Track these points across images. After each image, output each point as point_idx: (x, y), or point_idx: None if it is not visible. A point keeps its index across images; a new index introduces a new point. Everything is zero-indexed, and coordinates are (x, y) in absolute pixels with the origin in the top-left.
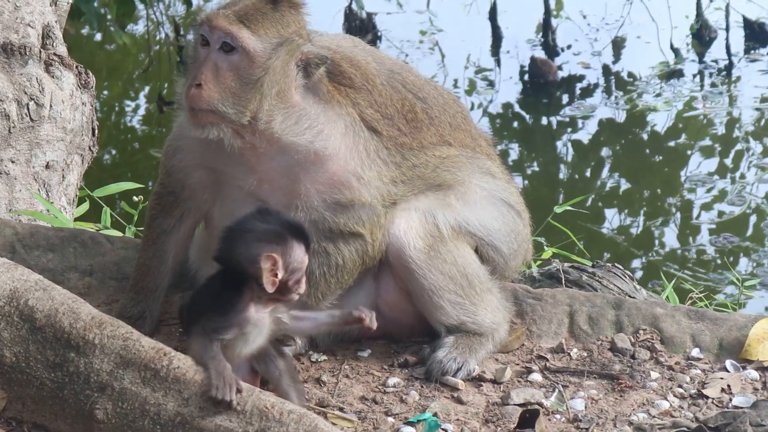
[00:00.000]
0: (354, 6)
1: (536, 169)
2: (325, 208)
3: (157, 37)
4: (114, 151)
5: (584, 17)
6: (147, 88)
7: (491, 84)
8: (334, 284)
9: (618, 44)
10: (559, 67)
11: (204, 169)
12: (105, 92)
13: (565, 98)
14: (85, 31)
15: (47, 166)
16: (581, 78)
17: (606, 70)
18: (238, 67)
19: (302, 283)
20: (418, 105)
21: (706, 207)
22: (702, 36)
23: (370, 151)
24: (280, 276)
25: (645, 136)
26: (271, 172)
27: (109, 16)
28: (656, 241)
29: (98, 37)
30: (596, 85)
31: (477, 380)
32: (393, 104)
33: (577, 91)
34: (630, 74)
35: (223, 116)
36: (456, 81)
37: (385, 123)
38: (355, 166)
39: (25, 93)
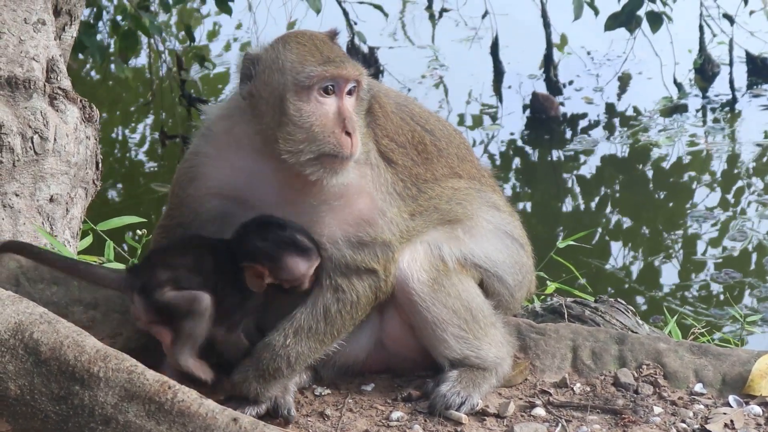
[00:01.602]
0: (356, 40)
1: (538, 203)
2: (347, 246)
3: (161, 73)
4: (118, 185)
5: (588, 53)
6: (150, 121)
7: (493, 118)
8: (348, 321)
9: (621, 79)
10: (561, 103)
11: (220, 198)
12: (107, 126)
13: (568, 134)
14: (87, 66)
15: (51, 200)
16: (584, 114)
17: (609, 106)
18: (355, 107)
19: (306, 284)
20: (427, 137)
21: (708, 243)
22: (705, 71)
23: (388, 184)
24: (267, 281)
25: (647, 171)
26: (298, 208)
27: (111, 50)
28: (658, 277)
29: (95, 72)
30: (598, 121)
31: (480, 414)
32: (404, 134)
33: (580, 127)
34: (633, 109)
35: (354, 159)
36: (462, 116)
37: (400, 153)
38: (381, 203)
39: (30, 126)
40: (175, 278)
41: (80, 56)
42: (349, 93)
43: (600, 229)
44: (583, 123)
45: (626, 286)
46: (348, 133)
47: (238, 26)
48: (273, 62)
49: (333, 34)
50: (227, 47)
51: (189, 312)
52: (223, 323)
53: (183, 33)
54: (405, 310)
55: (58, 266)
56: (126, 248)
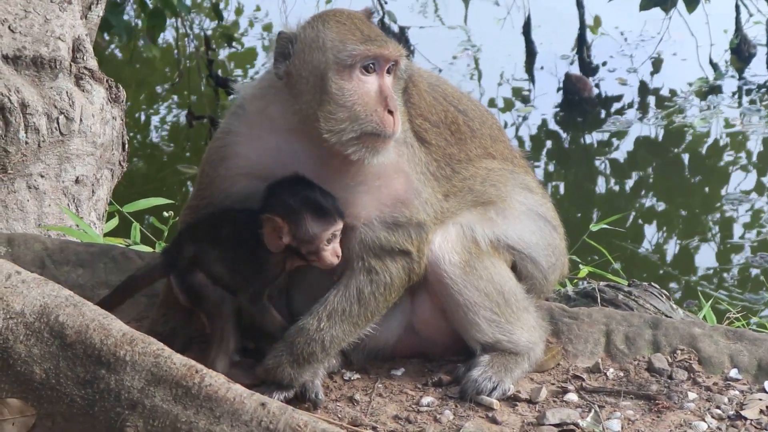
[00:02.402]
0: (386, 19)
1: (571, 186)
2: (382, 227)
3: (187, 51)
4: (143, 166)
5: (622, 34)
6: (176, 102)
7: (525, 100)
8: (382, 303)
9: (656, 60)
10: (596, 85)
11: (252, 178)
12: (133, 107)
13: (601, 115)
14: (113, 47)
15: (77, 181)
16: (618, 96)
17: (643, 87)
18: (394, 85)
19: (325, 255)
20: (460, 117)
21: (744, 226)
22: (741, 51)
23: (422, 164)
24: (285, 241)
25: (682, 154)
26: (333, 188)
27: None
28: (693, 261)
29: (121, 52)
30: (632, 102)
31: (512, 400)
32: (437, 114)
33: (613, 108)
34: (669, 90)
35: (395, 138)
36: (493, 99)
37: (434, 132)
38: (417, 183)
39: (55, 107)
40: (198, 253)
41: (106, 36)
42: (388, 72)
43: (634, 212)
44: (616, 104)
45: (660, 270)
46: (390, 112)
47: (257, 9)
48: (312, 41)
49: (369, 14)
50: (251, 24)
51: (215, 312)
52: (246, 292)
53: (204, 14)
54: (436, 292)
55: (122, 296)
56: (152, 230)
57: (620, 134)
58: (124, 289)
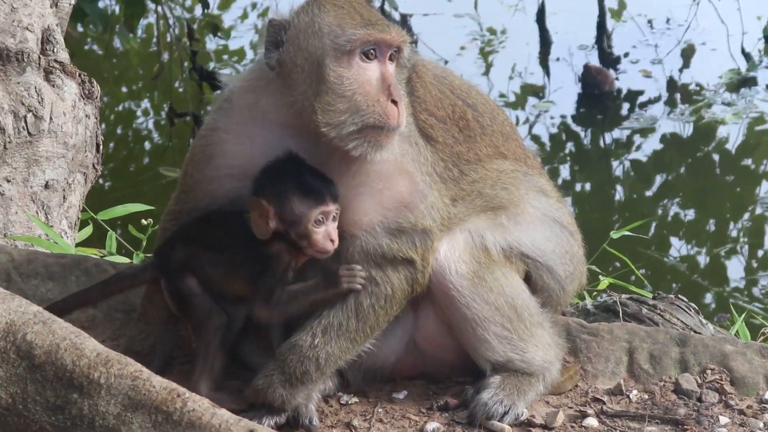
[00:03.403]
0: (387, 6)
1: (589, 190)
2: (385, 233)
3: (168, 40)
4: (120, 169)
5: (649, 22)
6: (156, 98)
7: (539, 95)
8: (383, 316)
9: (683, 51)
10: (617, 77)
11: (240, 179)
12: (109, 104)
13: (623, 111)
14: (89, 40)
15: (46, 186)
16: (641, 90)
17: (669, 80)
18: (397, 75)
19: (316, 239)
20: (469, 112)
21: None
22: None
23: (428, 164)
24: (272, 226)
25: (712, 153)
26: None
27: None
28: (724, 270)
29: (97, 45)
30: (658, 97)
31: (526, 425)
32: (444, 108)
33: (637, 103)
34: (696, 84)
35: (400, 131)
36: (504, 94)
37: (440, 129)
38: (422, 185)
39: (23, 104)
40: (191, 257)
41: (80, 27)
42: (390, 59)
43: (659, 218)
44: (640, 99)
45: (689, 281)
46: (393, 102)
47: None
48: (307, 26)
49: None
50: (244, 16)
51: (201, 325)
52: (258, 294)
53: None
54: (442, 306)
55: (92, 298)
56: (129, 240)
57: (645, 131)
58: (105, 286)
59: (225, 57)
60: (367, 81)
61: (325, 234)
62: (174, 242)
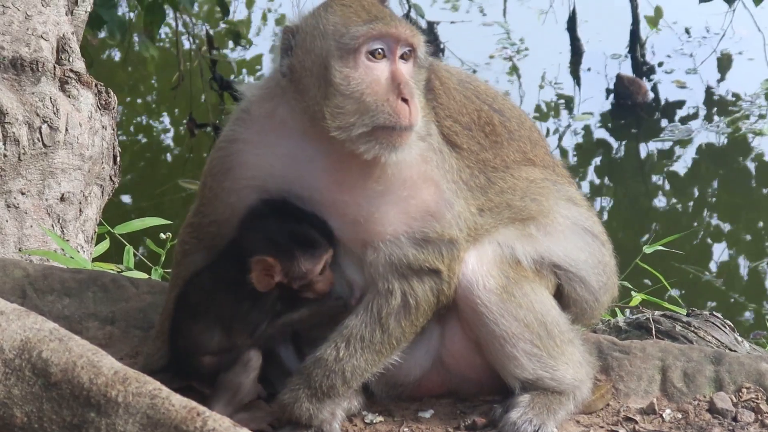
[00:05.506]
0: (413, 13)
1: (622, 202)
2: (410, 243)
3: (185, 48)
4: (138, 182)
5: (686, 30)
6: (176, 109)
7: (569, 106)
8: (408, 328)
9: (719, 60)
10: (653, 88)
11: (261, 191)
12: (127, 115)
13: (657, 123)
14: (108, 51)
15: (62, 199)
16: (677, 101)
17: (704, 90)
18: (413, 76)
19: (318, 287)
20: (496, 117)
21: None
22: None
23: (454, 171)
24: (276, 279)
25: (750, 164)
26: (356, 198)
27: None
28: (763, 285)
29: (118, 51)
30: (693, 108)
31: None
32: (469, 114)
33: (672, 115)
34: (732, 94)
35: (414, 131)
36: (536, 104)
37: (465, 135)
38: (449, 193)
39: (38, 115)
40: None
41: (101, 34)
42: (403, 58)
43: (694, 232)
44: (675, 110)
45: (725, 297)
46: (405, 100)
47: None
48: (314, 28)
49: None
50: (264, 17)
51: (240, 378)
52: (246, 330)
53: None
54: (469, 322)
55: None
56: (148, 255)
57: (680, 143)
58: None
59: (245, 69)
60: (376, 80)
61: (325, 280)
62: (172, 336)
